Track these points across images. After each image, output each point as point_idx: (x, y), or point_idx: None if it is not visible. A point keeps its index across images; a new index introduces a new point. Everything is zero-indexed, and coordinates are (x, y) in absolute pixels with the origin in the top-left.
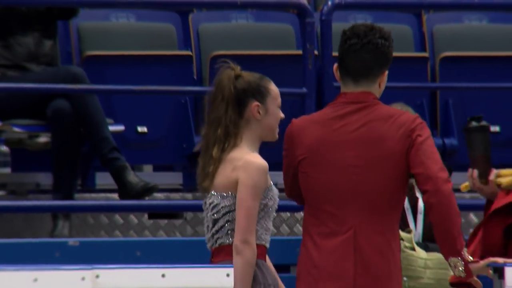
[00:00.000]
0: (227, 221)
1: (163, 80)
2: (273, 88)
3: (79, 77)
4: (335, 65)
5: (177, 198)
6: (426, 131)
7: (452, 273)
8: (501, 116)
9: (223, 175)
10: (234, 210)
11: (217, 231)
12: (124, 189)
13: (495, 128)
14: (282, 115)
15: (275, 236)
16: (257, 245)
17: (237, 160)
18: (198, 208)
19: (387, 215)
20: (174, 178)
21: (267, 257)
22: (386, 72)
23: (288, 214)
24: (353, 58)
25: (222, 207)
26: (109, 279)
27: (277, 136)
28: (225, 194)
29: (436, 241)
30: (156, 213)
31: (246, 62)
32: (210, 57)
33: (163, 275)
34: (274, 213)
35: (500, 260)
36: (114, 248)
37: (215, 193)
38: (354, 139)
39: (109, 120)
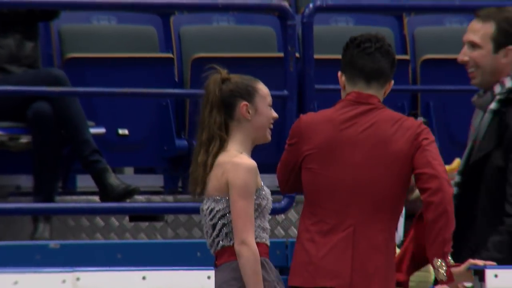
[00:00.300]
0: (224, 225)
1: (145, 82)
2: (261, 87)
3: (60, 80)
4: (340, 72)
5: (158, 201)
6: (431, 136)
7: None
8: None
9: (215, 179)
10: (229, 213)
11: (217, 235)
12: (105, 192)
13: None
14: (275, 114)
15: None
16: (258, 244)
17: (226, 163)
18: (179, 211)
19: (388, 215)
20: (155, 180)
21: None
22: (392, 82)
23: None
24: (368, 60)
25: (217, 211)
26: (90, 282)
27: (269, 137)
28: (218, 198)
29: (425, 240)
30: (137, 215)
31: (228, 64)
32: (192, 60)
33: (144, 278)
34: (268, 213)
35: (480, 262)
36: (95, 250)
37: (209, 198)
38: (362, 139)
39: (90, 123)
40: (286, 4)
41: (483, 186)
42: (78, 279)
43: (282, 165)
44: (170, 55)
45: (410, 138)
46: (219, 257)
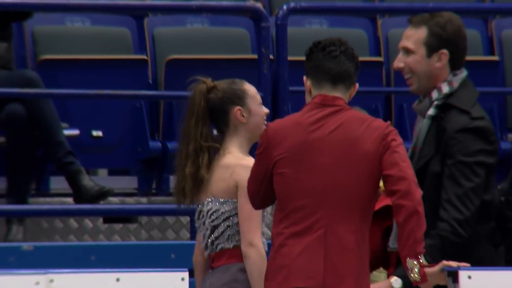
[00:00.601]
0: (227, 226)
1: (118, 84)
2: (249, 88)
3: (34, 81)
4: (305, 77)
5: (132, 202)
6: (399, 138)
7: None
8: None
9: (221, 181)
10: (234, 215)
11: (216, 237)
12: (79, 193)
13: None
14: (266, 110)
15: None
16: None
17: (234, 165)
18: (153, 212)
19: (358, 215)
20: (129, 182)
21: None
22: (357, 86)
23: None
24: (333, 63)
25: (222, 213)
26: (64, 284)
27: None
28: (224, 200)
29: (398, 242)
30: (111, 217)
31: (201, 66)
32: (165, 61)
33: (117, 279)
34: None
35: (453, 264)
36: (69, 252)
37: (213, 199)
38: (330, 141)
39: (64, 124)
40: (260, 6)
41: (425, 193)
42: (51, 281)
43: (253, 177)
44: (144, 56)
45: (378, 139)
46: (217, 259)
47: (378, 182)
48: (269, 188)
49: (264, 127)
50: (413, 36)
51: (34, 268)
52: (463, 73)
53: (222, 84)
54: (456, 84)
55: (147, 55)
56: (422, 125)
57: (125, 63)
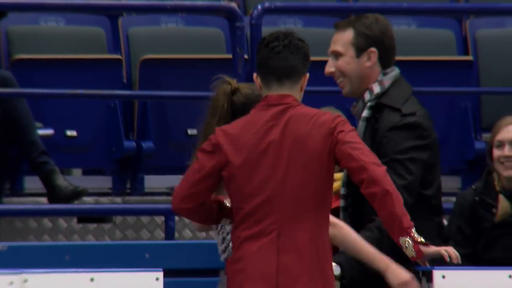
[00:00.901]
0: None
1: (93, 83)
2: None
3: (8, 81)
4: (255, 74)
5: (106, 202)
6: (348, 126)
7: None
8: None
9: None
10: None
11: (228, 245)
12: (53, 193)
13: None
14: None
15: (204, 240)
16: None
17: None
18: (128, 212)
19: (312, 214)
20: (104, 182)
21: None
22: (307, 76)
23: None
24: (276, 59)
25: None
26: (38, 284)
27: None
28: None
29: (386, 228)
30: (85, 217)
31: (176, 66)
32: (140, 61)
33: (92, 279)
34: None
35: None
36: (43, 252)
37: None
38: (279, 141)
39: (38, 124)
40: (234, 5)
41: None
42: (25, 281)
43: (194, 171)
44: (118, 56)
45: (326, 134)
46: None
47: (332, 178)
48: (207, 188)
49: None
50: (341, 39)
51: (8, 268)
52: (394, 71)
53: (244, 88)
54: (387, 83)
55: (121, 54)
56: (358, 128)
57: (100, 62)
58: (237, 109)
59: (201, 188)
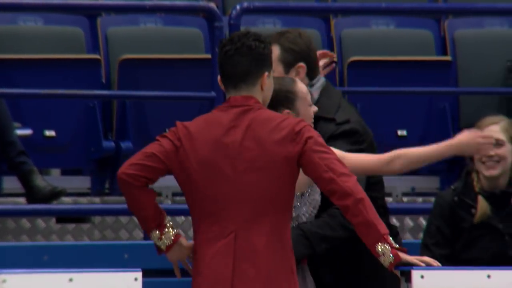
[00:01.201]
0: None
1: (72, 83)
2: (299, 90)
3: None
4: (219, 76)
5: (85, 202)
6: (314, 131)
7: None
8: (408, 121)
9: None
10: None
11: None
12: (32, 193)
13: (402, 132)
14: (314, 109)
15: None
16: None
17: None
18: (106, 212)
19: (271, 217)
20: (82, 182)
21: None
22: (267, 74)
23: (183, 218)
24: (230, 64)
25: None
26: (16, 284)
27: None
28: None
29: (362, 238)
30: (64, 217)
31: (155, 66)
32: (119, 61)
33: (70, 280)
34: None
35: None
36: (21, 252)
37: None
38: (239, 144)
39: (16, 124)
40: (213, 5)
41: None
42: (4, 281)
43: (149, 148)
44: (97, 56)
45: (288, 139)
46: None
47: (294, 181)
48: (154, 168)
49: (311, 125)
50: None
51: None
52: (320, 81)
53: (275, 83)
54: (316, 94)
55: (100, 54)
56: None
57: (78, 62)
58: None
59: (149, 164)
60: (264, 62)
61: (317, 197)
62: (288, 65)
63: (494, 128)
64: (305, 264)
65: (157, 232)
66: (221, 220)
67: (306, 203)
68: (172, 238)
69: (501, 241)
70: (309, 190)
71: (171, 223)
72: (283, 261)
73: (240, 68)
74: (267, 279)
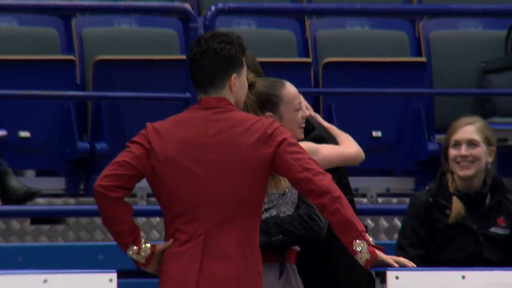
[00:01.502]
0: None
1: (46, 84)
2: (286, 93)
3: None
4: None
5: (59, 203)
6: (286, 132)
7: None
8: (382, 121)
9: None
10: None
11: None
12: (6, 194)
13: (377, 133)
14: (304, 114)
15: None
16: (290, 250)
17: None
18: (81, 213)
19: (242, 221)
20: (57, 183)
21: None
22: (234, 76)
23: (158, 219)
24: (196, 69)
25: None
26: None
27: (301, 135)
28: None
29: (338, 236)
30: (39, 218)
31: (130, 66)
32: (94, 62)
33: (45, 281)
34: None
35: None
36: None
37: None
38: (210, 145)
39: None
40: (188, 6)
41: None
42: None
43: (121, 157)
44: (72, 57)
45: (260, 141)
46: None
47: (265, 184)
48: (129, 176)
49: (300, 129)
50: None
51: None
52: None
53: (260, 86)
54: None
55: (75, 55)
56: None
57: (53, 63)
58: (248, 106)
59: (123, 172)
60: (230, 64)
61: (297, 196)
62: None
63: (469, 129)
64: (293, 263)
65: (135, 247)
66: (191, 221)
67: (288, 202)
68: (149, 251)
69: (475, 241)
70: (291, 190)
71: (145, 237)
72: (252, 265)
73: (206, 72)
74: (236, 281)
